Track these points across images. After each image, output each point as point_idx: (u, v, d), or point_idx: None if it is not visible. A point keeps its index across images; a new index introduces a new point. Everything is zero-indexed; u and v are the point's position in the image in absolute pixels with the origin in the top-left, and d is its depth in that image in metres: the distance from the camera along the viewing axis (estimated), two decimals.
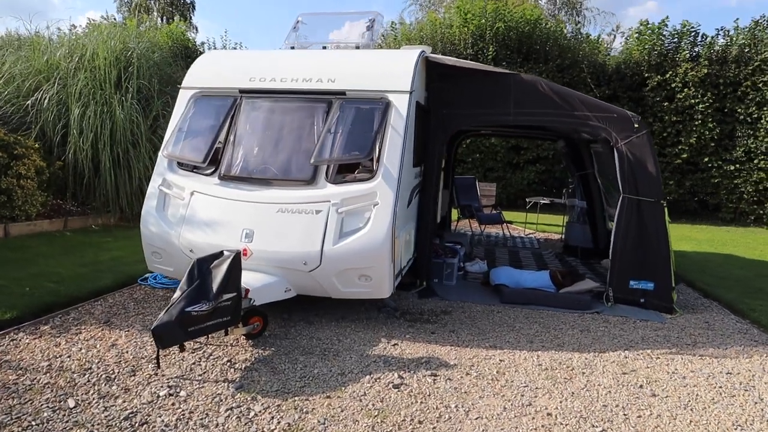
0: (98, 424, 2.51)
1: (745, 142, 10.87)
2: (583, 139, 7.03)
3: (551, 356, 3.62)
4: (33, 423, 2.50)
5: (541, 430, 2.65)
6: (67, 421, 2.52)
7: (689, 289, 5.66)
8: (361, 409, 2.78)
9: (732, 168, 10.98)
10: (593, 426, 2.71)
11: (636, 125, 4.63)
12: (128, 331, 3.72)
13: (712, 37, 11.10)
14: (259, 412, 2.69)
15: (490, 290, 5.21)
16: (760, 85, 10.47)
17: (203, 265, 3.26)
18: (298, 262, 3.73)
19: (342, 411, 2.74)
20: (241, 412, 2.68)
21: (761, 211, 10.98)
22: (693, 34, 11.13)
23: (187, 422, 2.57)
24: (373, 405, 2.82)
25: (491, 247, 7.80)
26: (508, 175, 12.17)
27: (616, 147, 4.67)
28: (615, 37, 13.73)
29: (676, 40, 11.33)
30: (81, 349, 3.37)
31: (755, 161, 10.78)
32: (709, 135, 10.97)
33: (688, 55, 11.03)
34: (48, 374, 2.99)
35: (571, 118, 4.75)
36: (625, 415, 2.85)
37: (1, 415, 2.54)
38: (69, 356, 3.25)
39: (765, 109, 10.55)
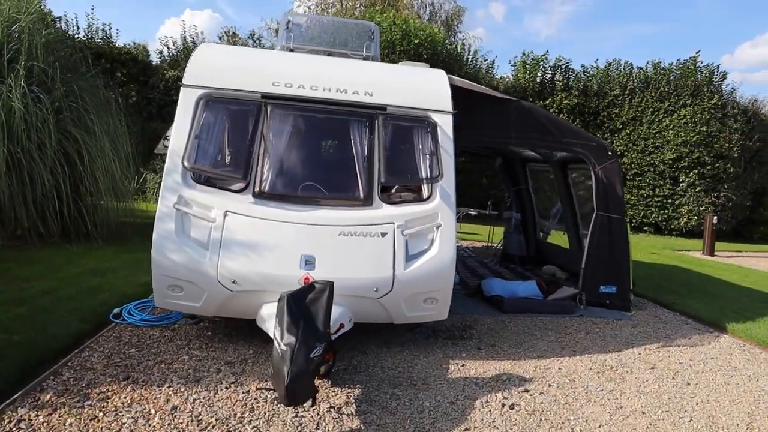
0: None
1: None
2: (520, 157, 8.00)
3: (589, 359, 4.14)
4: None
5: (652, 428, 3.08)
6: None
7: None
8: None
9: None
10: (681, 416, 3.25)
11: (610, 153, 5.53)
12: (171, 386, 3.07)
13: (578, 73, 13.57)
14: None
15: (480, 301, 5.60)
16: (613, 116, 13.19)
17: (299, 301, 2.91)
18: (369, 289, 3.55)
19: None
20: None
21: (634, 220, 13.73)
22: (564, 68, 13.44)
23: None
24: (508, 429, 2.91)
25: None
26: None
27: (594, 171, 5.51)
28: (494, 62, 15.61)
29: (549, 73, 13.52)
30: (138, 419, 2.68)
31: None
32: None
33: (562, 85, 13.27)
34: None
35: (560, 144, 5.44)
36: (690, 403, 3.47)
37: None
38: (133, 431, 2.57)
39: (615, 135, 13.30)
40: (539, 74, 13.27)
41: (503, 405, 3.18)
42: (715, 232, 11.53)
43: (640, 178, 13.61)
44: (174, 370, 3.30)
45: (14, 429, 2.50)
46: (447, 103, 4.24)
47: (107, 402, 2.83)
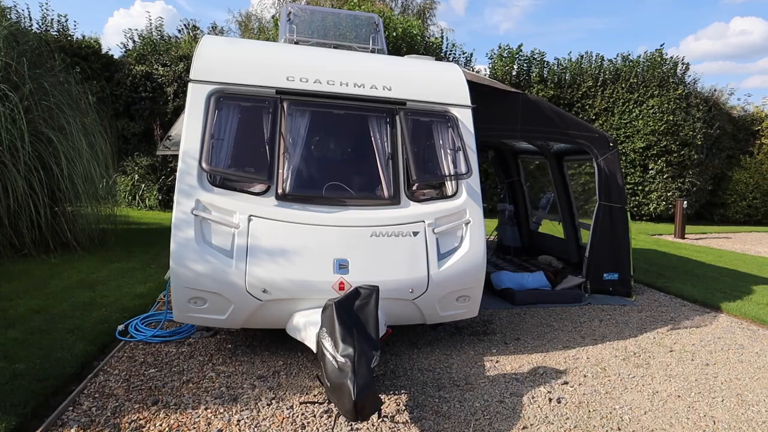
0: None
1: None
2: (512, 149, 8.07)
3: (611, 347, 4.22)
4: None
5: (692, 411, 3.16)
6: None
7: None
8: (560, 428, 2.83)
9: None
10: (713, 397, 3.35)
11: (611, 144, 5.64)
12: (207, 407, 2.88)
13: (552, 65, 13.85)
14: None
15: (489, 294, 5.61)
16: (587, 107, 13.57)
17: (347, 309, 2.79)
18: (404, 291, 3.46)
19: None
20: None
21: None
22: (539, 60, 13.69)
23: None
24: (562, 424, 2.91)
25: None
26: None
27: (596, 161, 5.61)
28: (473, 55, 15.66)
29: (526, 64, 13.73)
30: None
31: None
32: None
33: (538, 78, 13.51)
34: None
35: (565, 135, 5.50)
36: (716, 383, 3.58)
37: None
38: None
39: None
40: (515, 66, 13.47)
41: (550, 399, 3.19)
42: (684, 217, 12.10)
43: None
44: (204, 389, 3.10)
45: None
46: (466, 97, 4.19)
47: (144, 429, 2.62)
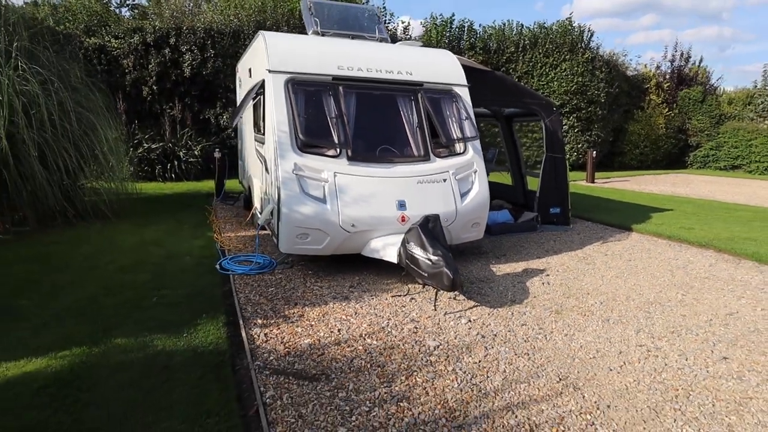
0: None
1: None
2: None
3: (568, 256, 6.22)
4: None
5: (626, 283, 5.20)
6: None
7: None
8: (555, 294, 4.69)
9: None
10: (637, 277, 5.43)
11: (555, 108, 7.56)
12: (336, 302, 4.32)
13: (479, 33, 15.75)
14: (550, 319, 4.29)
15: None
16: (510, 71, 15.73)
17: (425, 228, 4.35)
18: (443, 220, 5.07)
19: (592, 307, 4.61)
20: (564, 324, 4.21)
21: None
22: (468, 28, 15.50)
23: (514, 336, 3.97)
24: (555, 291, 4.77)
25: None
26: None
27: (544, 122, 7.52)
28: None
29: (456, 33, 15.49)
30: (343, 322, 3.95)
31: None
32: None
33: (469, 45, 15.35)
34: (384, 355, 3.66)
35: (522, 102, 7.32)
36: (636, 270, 5.69)
37: None
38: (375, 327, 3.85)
39: None
40: (447, 34, 15.16)
41: (543, 283, 5.05)
42: (594, 165, 14.92)
43: (533, 123, 16.55)
44: (320, 295, 4.51)
45: (268, 333, 3.63)
46: (463, 78, 5.78)
47: (304, 317, 4.02)
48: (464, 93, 5.72)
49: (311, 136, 4.83)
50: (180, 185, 11.07)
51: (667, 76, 20.58)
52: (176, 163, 11.44)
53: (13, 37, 6.12)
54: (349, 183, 4.78)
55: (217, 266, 5.16)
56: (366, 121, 5.28)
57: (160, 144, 11.39)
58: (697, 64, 21.08)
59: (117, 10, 13.37)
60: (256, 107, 6.05)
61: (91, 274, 4.86)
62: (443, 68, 5.78)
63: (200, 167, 11.71)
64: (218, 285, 4.72)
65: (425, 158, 5.26)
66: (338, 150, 4.88)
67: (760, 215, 9.39)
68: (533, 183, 8.56)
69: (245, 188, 8.21)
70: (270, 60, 4.92)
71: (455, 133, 5.50)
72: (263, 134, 5.58)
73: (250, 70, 6.54)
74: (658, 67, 20.93)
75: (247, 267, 5.17)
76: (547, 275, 5.33)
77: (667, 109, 19.68)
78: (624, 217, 8.78)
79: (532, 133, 14.73)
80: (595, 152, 15.12)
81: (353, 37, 6.10)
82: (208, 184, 11.13)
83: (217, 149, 9.60)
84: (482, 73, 6.97)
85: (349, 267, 5.25)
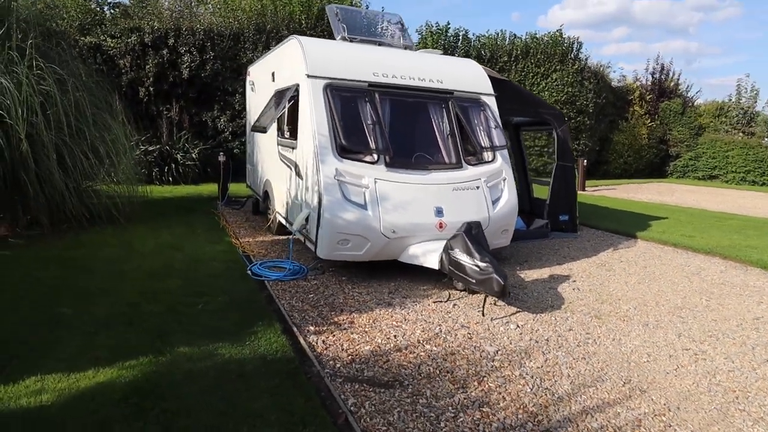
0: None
1: None
2: None
3: (586, 262, 6.40)
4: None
5: (648, 287, 5.39)
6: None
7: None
8: (587, 298, 4.83)
9: None
10: (657, 281, 5.64)
11: (565, 119, 7.78)
12: (380, 309, 4.34)
13: (473, 42, 16.04)
14: (579, 322, 4.40)
15: None
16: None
17: (469, 235, 4.43)
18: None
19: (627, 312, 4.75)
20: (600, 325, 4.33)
21: None
22: (463, 37, 15.77)
23: (565, 337, 4.07)
24: (586, 296, 4.91)
25: None
26: None
27: (556, 132, 7.72)
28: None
29: (452, 41, 15.73)
30: (394, 328, 3.98)
31: None
32: None
33: (464, 53, 15.61)
34: (461, 357, 3.71)
35: (536, 112, 7.51)
36: (656, 274, 5.90)
37: None
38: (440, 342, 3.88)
39: None
40: (443, 42, 15.39)
41: (573, 289, 5.19)
42: (585, 173, 15.34)
43: (525, 132, 16.93)
44: (362, 302, 4.53)
45: (325, 340, 3.62)
46: (490, 87, 5.91)
47: (354, 323, 4.03)
48: (491, 102, 5.85)
49: (351, 142, 4.85)
50: (179, 189, 10.86)
51: (649, 88, 21.35)
52: (173, 166, 11.22)
53: (28, 34, 5.94)
54: (389, 189, 4.82)
55: (249, 272, 5.11)
56: (400, 127, 5.34)
57: (157, 146, 11.15)
58: (676, 77, 21.97)
59: (98, 9, 13.05)
60: (280, 111, 6.02)
61: (120, 279, 4.74)
62: (471, 77, 5.89)
63: (198, 170, 11.52)
64: (256, 291, 4.67)
65: (458, 165, 5.34)
66: (376, 156, 4.91)
67: (750, 224, 9.86)
68: (538, 191, 8.80)
69: (256, 193, 8.13)
70: (308, 66, 4.92)
71: (485, 141, 5.61)
72: (293, 139, 5.57)
73: (273, 74, 6.51)
74: (637, 79, 21.73)
75: (280, 273, 5.14)
76: (574, 281, 5.48)
77: (649, 120, 20.42)
78: (626, 224, 9.08)
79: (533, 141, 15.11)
80: (585, 161, 15.55)
81: (380, 44, 6.16)
82: (208, 188, 10.96)
83: (221, 153, 9.47)
84: (500, 82, 7.12)
85: (382, 273, 5.28)
